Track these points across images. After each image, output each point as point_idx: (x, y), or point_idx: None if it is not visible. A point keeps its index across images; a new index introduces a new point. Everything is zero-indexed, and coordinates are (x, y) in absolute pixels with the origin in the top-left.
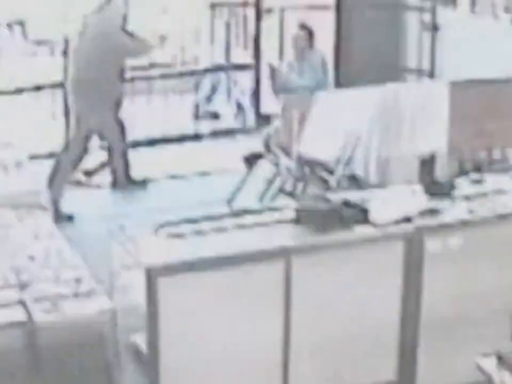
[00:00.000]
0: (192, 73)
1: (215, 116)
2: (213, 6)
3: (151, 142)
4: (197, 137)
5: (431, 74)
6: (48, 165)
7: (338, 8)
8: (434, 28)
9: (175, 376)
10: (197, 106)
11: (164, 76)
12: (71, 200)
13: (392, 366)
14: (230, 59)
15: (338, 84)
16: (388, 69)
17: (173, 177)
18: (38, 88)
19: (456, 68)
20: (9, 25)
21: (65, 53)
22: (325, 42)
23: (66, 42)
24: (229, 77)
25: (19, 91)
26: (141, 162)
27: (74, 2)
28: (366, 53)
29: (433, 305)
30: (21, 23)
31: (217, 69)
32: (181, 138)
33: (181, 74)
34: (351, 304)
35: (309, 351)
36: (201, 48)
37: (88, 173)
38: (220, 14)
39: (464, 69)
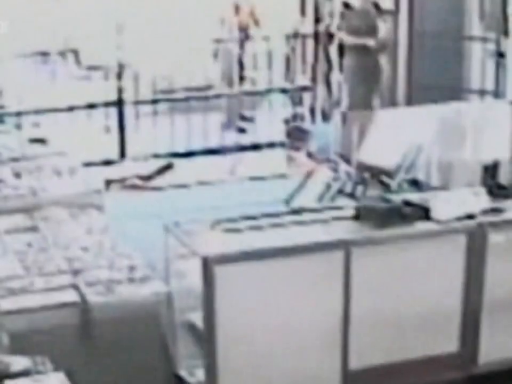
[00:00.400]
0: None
1: (242, 130)
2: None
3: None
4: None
5: (495, 95)
6: (100, 171)
7: (410, 37)
8: (500, 54)
9: (232, 349)
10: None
11: (218, 96)
12: (130, 200)
13: (454, 338)
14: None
15: (409, 102)
16: (452, 90)
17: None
18: (91, 106)
19: None
20: (63, 53)
21: (119, 76)
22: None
23: (121, 66)
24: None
25: (73, 109)
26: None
27: (125, 31)
28: (433, 76)
29: (495, 288)
30: (75, 52)
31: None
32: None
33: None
34: (412, 287)
35: (369, 327)
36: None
37: (145, 178)
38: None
39: None
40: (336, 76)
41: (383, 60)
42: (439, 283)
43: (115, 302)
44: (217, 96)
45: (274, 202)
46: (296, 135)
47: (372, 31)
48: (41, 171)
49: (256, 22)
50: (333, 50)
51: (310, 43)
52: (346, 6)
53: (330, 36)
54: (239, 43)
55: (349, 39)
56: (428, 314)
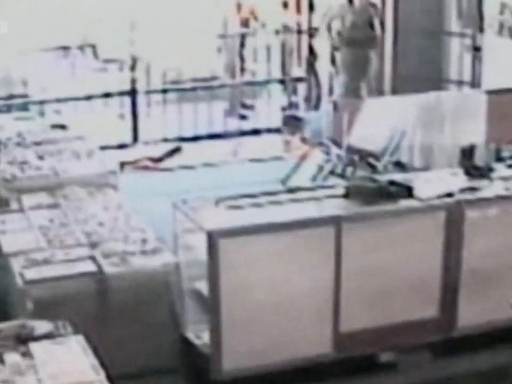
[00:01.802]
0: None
1: (243, 117)
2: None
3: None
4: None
5: (472, 85)
6: (115, 154)
7: (396, 33)
8: (476, 48)
9: (234, 314)
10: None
11: (222, 86)
12: (142, 180)
13: (435, 304)
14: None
15: (394, 92)
16: (433, 81)
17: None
18: (107, 95)
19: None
20: (82, 48)
21: (133, 68)
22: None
23: (134, 59)
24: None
25: (90, 97)
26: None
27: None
28: (416, 68)
29: (472, 259)
30: (92, 46)
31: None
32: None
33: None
34: (396, 259)
35: (358, 294)
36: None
37: (156, 160)
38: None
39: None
40: (328, 68)
41: (372, 54)
42: (421, 254)
43: (129, 272)
44: (221, 86)
45: (272, 182)
46: (291, 122)
47: (367, 27)
48: (62, 154)
49: (256, 19)
50: (326, 44)
51: (305, 38)
52: (350, 1)
53: (316, 30)
54: (240, 38)
55: (345, 35)
56: (411, 283)
